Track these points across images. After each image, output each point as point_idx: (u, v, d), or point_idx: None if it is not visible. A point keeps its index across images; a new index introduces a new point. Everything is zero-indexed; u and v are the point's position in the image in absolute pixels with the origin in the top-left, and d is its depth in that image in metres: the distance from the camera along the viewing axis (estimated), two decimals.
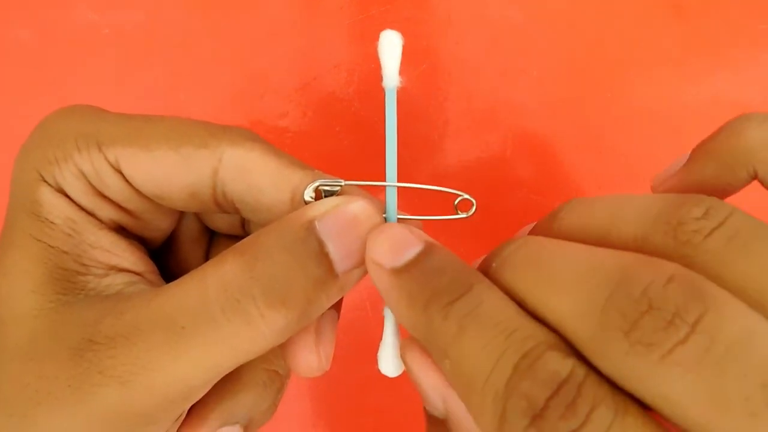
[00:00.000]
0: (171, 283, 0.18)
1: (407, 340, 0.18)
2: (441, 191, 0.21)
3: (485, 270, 0.17)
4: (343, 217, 0.18)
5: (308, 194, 0.19)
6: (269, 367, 0.21)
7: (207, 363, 0.17)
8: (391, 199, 0.19)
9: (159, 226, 0.22)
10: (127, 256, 0.20)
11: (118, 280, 0.19)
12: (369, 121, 0.34)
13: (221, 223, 0.24)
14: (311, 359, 0.20)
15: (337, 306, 0.20)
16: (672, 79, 0.35)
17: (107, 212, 0.20)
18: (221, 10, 0.35)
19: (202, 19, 0.35)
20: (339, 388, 0.33)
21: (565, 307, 0.14)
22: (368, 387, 0.33)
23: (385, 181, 0.19)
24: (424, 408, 0.18)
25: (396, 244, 0.17)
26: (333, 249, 0.17)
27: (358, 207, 0.18)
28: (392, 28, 0.35)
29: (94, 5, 0.35)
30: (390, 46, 0.20)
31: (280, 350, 0.19)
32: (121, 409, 0.17)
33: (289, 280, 0.17)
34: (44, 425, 0.17)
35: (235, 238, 0.23)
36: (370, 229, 0.18)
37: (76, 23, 0.35)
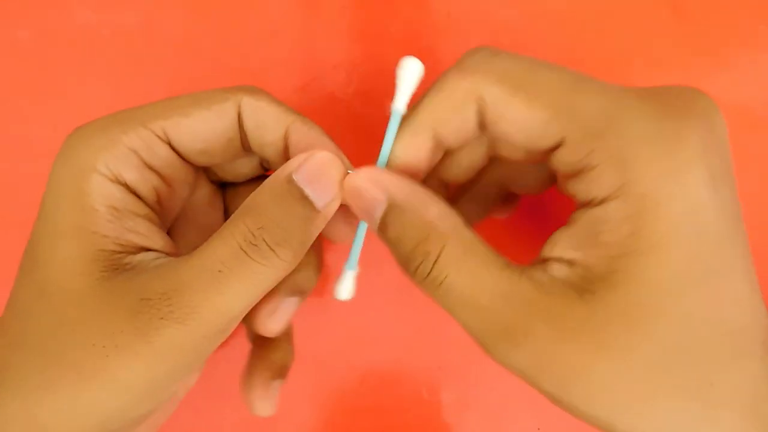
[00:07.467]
0: (199, 248, 0.22)
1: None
2: None
3: None
4: (313, 165, 0.22)
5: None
6: (316, 252, 0.27)
7: (244, 293, 0.21)
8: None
9: (182, 195, 0.27)
10: (157, 239, 0.24)
11: (148, 257, 0.22)
12: (368, 121, 0.34)
13: (243, 169, 0.28)
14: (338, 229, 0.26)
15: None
16: (672, 79, 0.35)
17: (153, 182, 0.24)
18: (221, 10, 0.35)
19: (202, 20, 0.35)
20: (338, 388, 0.33)
21: None
22: (368, 387, 0.33)
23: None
24: None
25: None
26: (311, 192, 0.22)
27: (323, 156, 0.23)
28: (392, 28, 0.35)
29: (94, 6, 0.35)
30: (410, 74, 0.22)
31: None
32: (179, 344, 0.20)
33: (285, 224, 0.21)
34: (114, 370, 0.20)
35: (252, 182, 0.29)
36: (335, 169, 0.22)
37: (76, 24, 0.35)
